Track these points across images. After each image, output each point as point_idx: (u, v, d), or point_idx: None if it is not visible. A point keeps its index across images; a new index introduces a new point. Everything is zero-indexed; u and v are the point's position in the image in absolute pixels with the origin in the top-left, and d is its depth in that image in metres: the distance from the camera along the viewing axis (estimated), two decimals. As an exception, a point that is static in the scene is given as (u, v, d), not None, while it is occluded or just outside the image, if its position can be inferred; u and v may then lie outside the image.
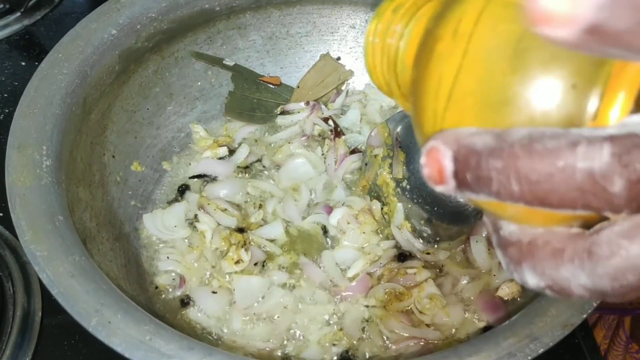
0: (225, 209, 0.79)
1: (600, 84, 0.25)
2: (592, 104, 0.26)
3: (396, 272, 0.74)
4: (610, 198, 0.24)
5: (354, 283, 0.74)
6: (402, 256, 0.75)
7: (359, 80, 0.91)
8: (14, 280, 0.72)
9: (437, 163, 0.27)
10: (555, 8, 0.21)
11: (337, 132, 0.85)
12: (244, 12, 0.84)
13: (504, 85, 0.27)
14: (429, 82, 0.30)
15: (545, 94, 0.26)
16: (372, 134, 0.78)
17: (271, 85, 0.90)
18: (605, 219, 0.26)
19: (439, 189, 0.28)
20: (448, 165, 0.27)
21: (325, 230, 0.79)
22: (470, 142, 0.27)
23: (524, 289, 0.72)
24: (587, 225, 0.27)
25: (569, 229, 0.28)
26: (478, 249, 0.75)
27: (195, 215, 0.79)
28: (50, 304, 0.72)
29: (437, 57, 0.30)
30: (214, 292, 0.73)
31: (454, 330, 0.71)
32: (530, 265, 0.28)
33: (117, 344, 0.52)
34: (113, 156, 0.77)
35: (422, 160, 0.28)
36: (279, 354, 0.70)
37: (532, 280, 0.28)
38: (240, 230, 0.78)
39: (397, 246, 0.76)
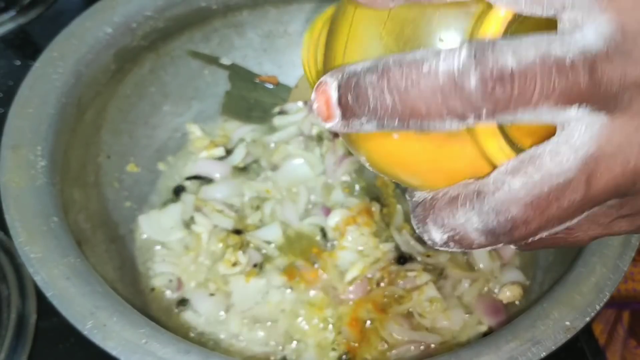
0: (222, 211, 0.78)
1: (469, 28, 0.28)
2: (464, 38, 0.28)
3: (396, 274, 0.74)
4: (469, 97, 0.25)
5: (352, 286, 0.73)
6: (402, 259, 0.75)
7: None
8: (8, 282, 0.71)
9: (324, 95, 0.28)
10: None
11: (336, 133, 0.84)
12: (241, 10, 0.84)
13: (383, 45, 0.30)
14: (327, 61, 0.34)
15: (420, 44, 0.29)
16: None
17: (269, 85, 0.89)
18: None
19: (328, 125, 0.28)
20: (333, 94, 0.28)
21: (323, 232, 0.78)
22: (353, 67, 0.27)
23: (525, 292, 0.71)
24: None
25: (466, 181, 0.30)
26: (479, 252, 0.75)
27: (192, 217, 0.78)
28: (45, 306, 0.71)
29: (332, 36, 0.34)
30: (211, 295, 0.73)
31: (454, 333, 0.71)
32: (432, 219, 0.29)
33: (112, 347, 0.51)
34: (108, 157, 0.76)
35: (312, 96, 0.29)
36: (277, 357, 0.70)
37: (437, 235, 0.29)
38: (237, 232, 0.77)
39: (396, 248, 0.76)
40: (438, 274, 0.75)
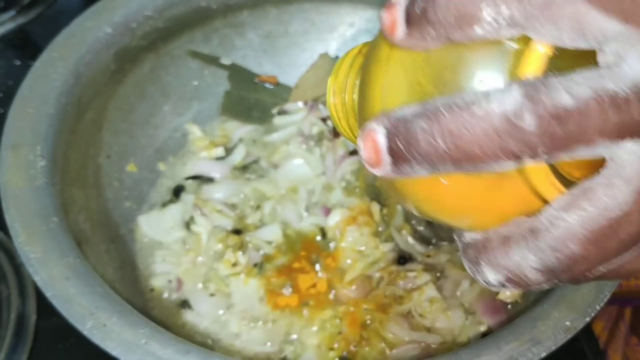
0: (222, 211, 0.78)
1: (508, 68, 0.28)
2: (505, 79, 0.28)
3: (396, 275, 0.74)
4: (525, 136, 0.25)
5: (352, 286, 0.73)
6: (402, 259, 0.75)
7: (358, 80, 0.90)
8: (8, 282, 0.71)
9: (372, 142, 0.28)
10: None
11: (336, 132, 0.84)
12: (241, 10, 0.84)
13: (423, 92, 0.29)
14: (363, 110, 0.34)
15: (459, 88, 0.28)
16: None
17: (268, 85, 0.89)
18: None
19: (377, 172, 0.28)
20: (382, 141, 0.28)
21: (323, 232, 0.78)
22: (400, 113, 0.27)
23: (525, 292, 0.71)
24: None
25: (517, 218, 0.29)
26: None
27: (192, 217, 0.78)
28: (45, 306, 0.71)
29: (366, 85, 0.33)
30: (211, 295, 0.73)
31: (454, 334, 0.70)
32: (486, 260, 0.29)
33: (112, 348, 0.51)
34: (108, 157, 0.76)
35: (359, 144, 0.29)
36: (277, 357, 0.69)
37: (492, 276, 0.29)
38: (237, 232, 0.77)
39: (396, 249, 0.76)
40: (438, 274, 0.74)
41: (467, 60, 0.28)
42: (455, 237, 0.33)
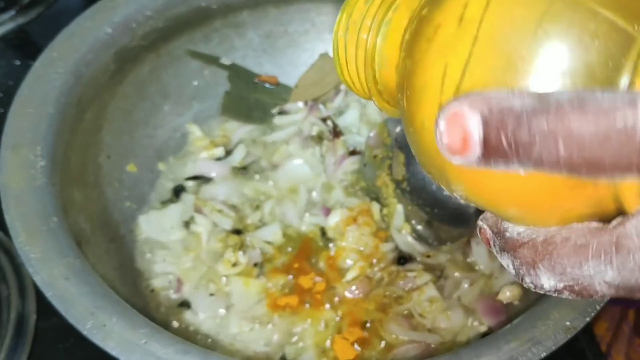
0: (222, 211, 0.78)
1: (632, 59, 0.24)
2: (624, 80, 0.24)
3: (396, 275, 0.73)
4: None
5: (352, 286, 0.73)
6: (402, 259, 0.75)
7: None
8: (8, 282, 0.71)
9: (461, 129, 0.24)
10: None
11: (336, 133, 0.84)
12: (241, 10, 0.84)
13: (525, 70, 0.25)
14: (429, 73, 0.28)
15: (573, 74, 0.25)
16: (371, 134, 0.78)
17: (268, 85, 0.89)
18: (619, 214, 0.25)
19: (456, 160, 0.24)
20: (477, 131, 0.23)
21: (323, 232, 0.78)
22: (507, 103, 0.23)
23: (525, 292, 0.71)
24: (602, 220, 0.26)
25: (588, 224, 0.26)
26: (479, 252, 0.74)
27: (192, 217, 0.78)
28: (45, 306, 0.71)
29: (440, 46, 0.28)
30: (211, 295, 0.73)
31: (454, 334, 0.70)
32: (548, 265, 0.26)
33: (112, 347, 0.51)
34: (108, 157, 0.76)
35: (441, 126, 0.24)
36: (276, 357, 0.69)
37: (549, 282, 0.27)
38: (237, 232, 0.77)
39: (396, 249, 0.76)
40: (438, 274, 0.74)
41: (588, 44, 0.24)
42: (485, 226, 0.30)
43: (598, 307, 0.55)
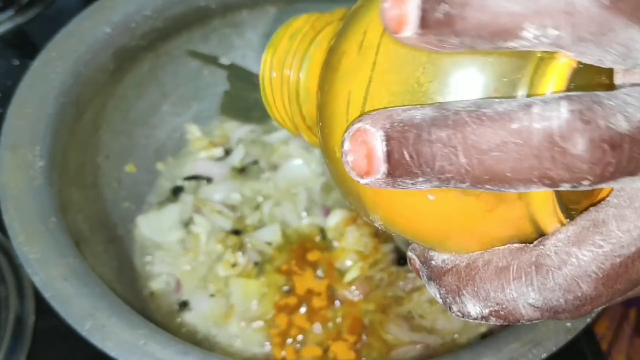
0: (221, 211, 0.78)
1: (527, 76, 0.24)
2: (520, 94, 0.24)
3: (396, 275, 0.73)
4: (572, 162, 0.21)
5: (352, 287, 0.73)
6: (402, 260, 0.75)
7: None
8: (6, 283, 0.71)
9: (365, 146, 0.23)
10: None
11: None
12: (240, 9, 0.83)
13: (422, 93, 0.25)
14: (336, 102, 0.28)
15: (469, 94, 0.24)
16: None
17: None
18: (540, 236, 0.25)
19: (364, 181, 0.24)
20: (380, 147, 0.23)
21: (323, 233, 0.78)
22: (407, 115, 0.23)
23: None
24: (525, 242, 0.26)
25: (509, 245, 0.26)
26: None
27: (191, 217, 0.78)
28: (44, 307, 0.70)
29: (344, 74, 0.28)
30: (211, 296, 0.73)
31: (454, 335, 0.70)
32: (471, 291, 0.25)
33: (111, 348, 0.51)
34: (107, 157, 0.76)
35: (346, 146, 0.24)
36: (276, 358, 0.69)
37: (475, 309, 0.26)
38: (236, 232, 0.77)
39: (396, 249, 0.76)
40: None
41: (481, 62, 0.24)
42: (414, 257, 0.29)
43: (598, 309, 0.55)
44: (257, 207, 0.80)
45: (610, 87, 0.26)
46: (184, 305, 0.73)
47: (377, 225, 0.29)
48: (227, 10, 0.83)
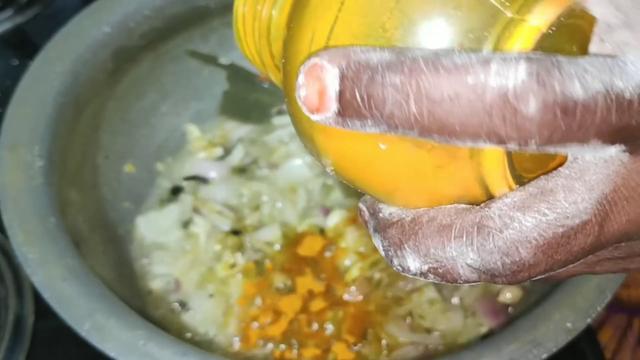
0: (220, 211, 0.78)
1: (494, 34, 0.23)
2: (485, 52, 0.23)
3: (396, 276, 0.73)
4: (522, 122, 0.21)
5: (352, 287, 0.73)
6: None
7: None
8: (5, 283, 0.71)
9: (319, 82, 0.23)
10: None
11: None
12: (240, 10, 0.83)
13: (385, 39, 0.24)
14: (301, 39, 0.27)
15: (433, 46, 0.24)
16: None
17: (267, 85, 0.89)
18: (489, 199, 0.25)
19: (315, 117, 0.23)
20: (333, 84, 0.23)
21: (322, 233, 0.78)
22: (364, 56, 0.22)
23: (526, 293, 0.71)
24: (473, 204, 0.26)
25: (456, 205, 0.26)
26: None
27: (190, 218, 0.78)
28: (43, 307, 0.70)
29: (311, 11, 0.27)
30: (210, 296, 0.73)
31: (454, 335, 0.70)
32: (413, 246, 0.25)
33: (110, 349, 0.51)
34: (106, 157, 0.76)
35: (300, 79, 0.24)
36: (276, 358, 0.69)
37: (414, 264, 0.25)
38: (236, 232, 0.77)
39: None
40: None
41: (451, 15, 0.24)
42: (364, 208, 0.29)
43: (599, 308, 0.55)
44: (257, 207, 0.80)
45: None
46: (183, 305, 0.72)
47: (328, 171, 0.29)
48: (227, 10, 0.83)
